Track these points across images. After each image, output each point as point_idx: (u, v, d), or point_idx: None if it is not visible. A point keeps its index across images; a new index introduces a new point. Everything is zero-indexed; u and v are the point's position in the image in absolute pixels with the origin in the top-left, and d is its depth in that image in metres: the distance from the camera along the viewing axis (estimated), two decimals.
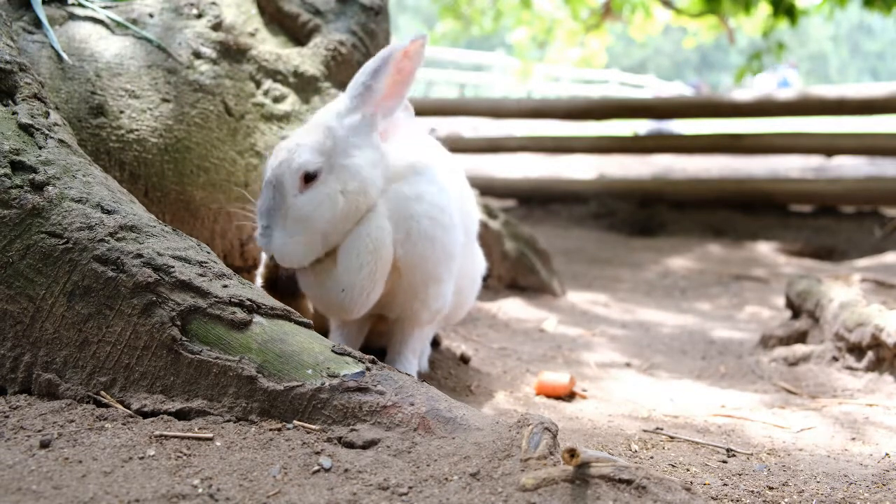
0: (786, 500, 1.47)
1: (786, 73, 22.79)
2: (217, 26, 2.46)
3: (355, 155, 1.80)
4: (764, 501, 1.45)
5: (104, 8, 2.36)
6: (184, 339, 1.40)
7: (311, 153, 1.76)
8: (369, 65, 1.79)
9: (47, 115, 1.66)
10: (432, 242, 1.87)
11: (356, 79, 1.82)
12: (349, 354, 1.43)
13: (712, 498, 1.43)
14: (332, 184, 1.76)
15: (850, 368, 2.44)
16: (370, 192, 1.80)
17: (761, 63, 10.41)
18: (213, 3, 2.50)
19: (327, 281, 1.81)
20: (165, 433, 1.30)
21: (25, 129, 1.58)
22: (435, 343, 2.50)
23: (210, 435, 1.30)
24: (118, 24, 2.33)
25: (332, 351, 1.43)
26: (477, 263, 2.32)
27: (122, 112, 2.20)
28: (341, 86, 2.70)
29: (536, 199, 7.13)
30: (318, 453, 1.25)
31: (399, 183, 1.86)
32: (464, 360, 2.45)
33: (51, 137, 1.60)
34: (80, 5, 2.33)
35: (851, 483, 1.57)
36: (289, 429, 1.33)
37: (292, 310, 1.51)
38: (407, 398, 1.35)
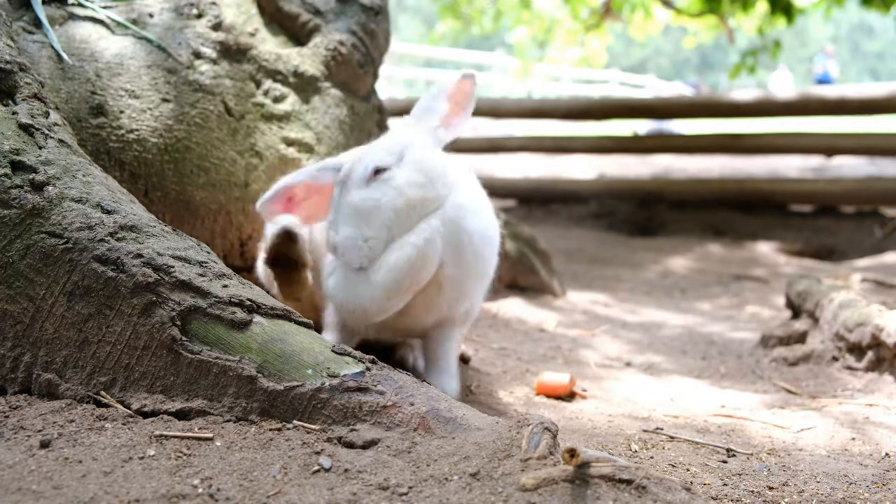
0: (786, 500, 1.47)
1: (826, 63, 20.90)
2: (217, 26, 2.46)
3: (419, 150, 1.84)
4: (764, 501, 1.45)
5: (104, 8, 2.36)
6: (184, 339, 1.40)
7: (382, 152, 1.81)
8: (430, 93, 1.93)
9: (47, 115, 1.66)
10: (479, 261, 1.87)
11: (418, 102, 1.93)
12: (349, 354, 1.43)
13: (712, 498, 1.43)
14: (398, 176, 1.77)
15: (850, 368, 2.44)
16: (436, 184, 1.80)
17: (756, 60, 10.37)
18: (213, 3, 2.50)
19: (359, 282, 1.76)
20: (165, 433, 1.30)
21: (25, 129, 1.58)
22: None
23: (210, 435, 1.30)
24: (118, 24, 2.33)
25: (332, 351, 1.43)
26: None
27: (122, 112, 2.20)
28: (341, 86, 2.70)
29: (536, 199, 7.13)
30: (318, 453, 1.25)
31: (454, 193, 1.84)
32: (464, 360, 2.45)
33: (51, 137, 1.60)
34: (80, 5, 2.32)
35: (851, 483, 1.57)
36: (289, 429, 1.33)
37: (292, 310, 1.51)
38: (407, 398, 1.35)
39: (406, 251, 1.74)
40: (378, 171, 1.76)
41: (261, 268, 2.15)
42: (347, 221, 1.75)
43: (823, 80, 20.19)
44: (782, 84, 21.41)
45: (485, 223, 1.89)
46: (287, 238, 1.91)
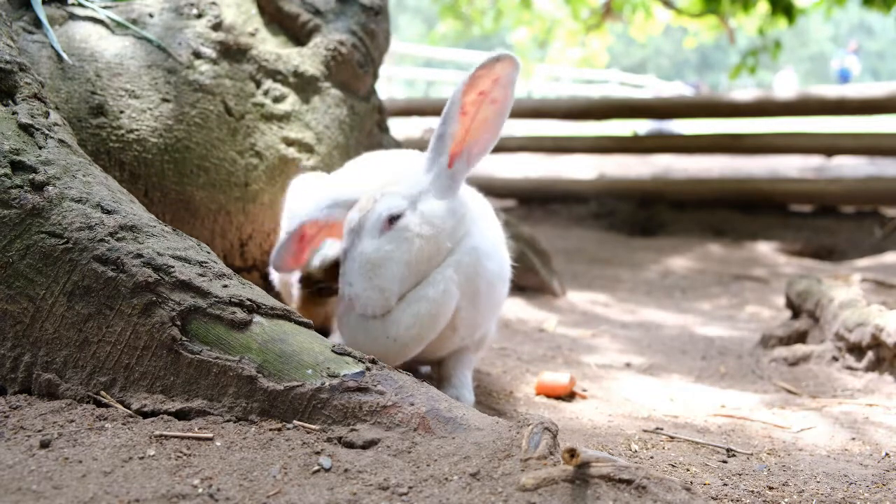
0: (786, 500, 1.47)
1: (846, 60, 19.89)
2: (217, 26, 2.47)
3: (431, 202, 1.75)
4: (764, 501, 1.45)
5: (104, 8, 2.36)
6: (184, 339, 1.40)
7: (395, 198, 1.74)
8: (444, 111, 1.73)
9: (47, 115, 1.66)
10: (493, 300, 1.88)
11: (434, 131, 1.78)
12: (349, 354, 1.43)
13: (712, 498, 1.43)
14: (411, 225, 1.72)
15: (850, 368, 2.44)
16: (440, 240, 1.74)
17: (757, 61, 10.38)
18: (213, 3, 2.50)
19: (377, 324, 1.73)
20: (165, 433, 1.30)
21: (25, 129, 1.58)
22: None
23: (210, 435, 1.30)
24: (118, 24, 2.33)
25: (332, 351, 1.43)
26: None
27: (122, 112, 2.20)
28: (341, 86, 2.70)
29: (536, 199, 7.13)
30: (318, 453, 1.25)
31: (469, 236, 1.80)
32: None
33: (51, 137, 1.60)
34: (80, 5, 2.33)
35: (851, 483, 1.57)
36: (289, 429, 1.33)
37: (292, 310, 1.51)
38: (407, 398, 1.35)
39: (423, 306, 1.72)
40: (392, 220, 1.71)
41: (277, 279, 2.14)
42: (362, 273, 1.70)
43: (842, 76, 19.24)
44: (787, 84, 21.09)
45: (498, 263, 1.88)
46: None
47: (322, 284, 1.94)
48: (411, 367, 2.18)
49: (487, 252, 1.83)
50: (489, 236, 1.87)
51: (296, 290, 2.02)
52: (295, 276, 2.03)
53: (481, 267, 1.80)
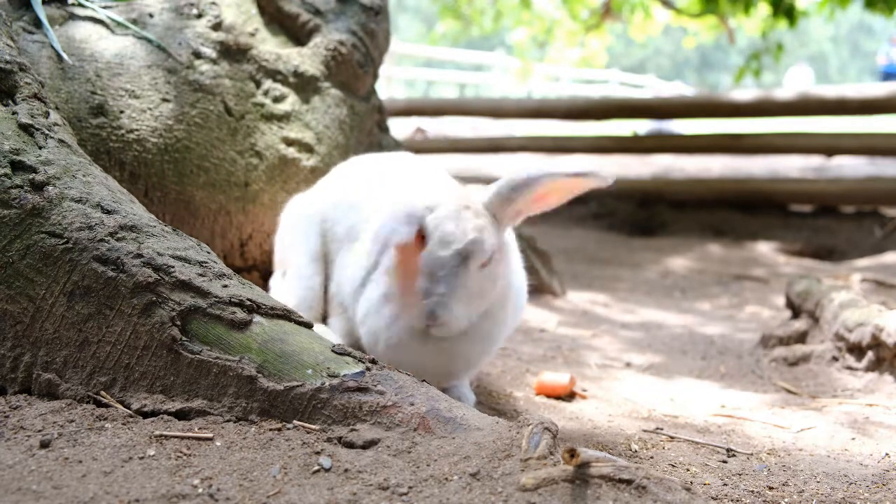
0: (786, 500, 1.47)
1: (891, 53, 18.86)
2: (217, 26, 2.47)
3: (507, 253, 1.87)
4: (764, 501, 1.45)
5: (104, 8, 2.37)
6: (184, 339, 1.40)
7: (495, 237, 1.77)
8: (516, 178, 1.77)
9: (47, 115, 1.66)
10: (511, 328, 2.01)
11: (497, 186, 1.80)
12: (349, 354, 1.43)
13: (712, 498, 1.43)
14: (497, 268, 1.80)
15: (850, 368, 2.44)
16: (499, 288, 1.84)
17: (760, 63, 10.37)
18: (213, 3, 2.50)
19: (444, 353, 1.79)
20: (165, 433, 1.30)
21: (25, 129, 1.58)
22: None
23: (210, 435, 1.30)
24: (118, 24, 2.33)
25: (332, 351, 1.43)
26: None
27: (122, 112, 2.20)
28: (341, 86, 2.70)
29: None
30: (318, 453, 1.25)
31: (512, 274, 1.92)
32: None
33: (51, 137, 1.60)
34: (80, 5, 2.33)
35: (851, 483, 1.57)
36: (289, 429, 1.33)
37: (292, 310, 1.51)
38: (407, 398, 1.35)
39: (490, 345, 1.87)
40: (489, 260, 1.75)
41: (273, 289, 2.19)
42: (461, 298, 1.70)
43: (890, 73, 18.12)
44: (801, 80, 20.44)
45: (524, 297, 2.03)
46: None
47: None
48: None
49: (520, 289, 1.98)
50: (520, 271, 2.01)
51: None
52: None
53: (515, 304, 1.96)
